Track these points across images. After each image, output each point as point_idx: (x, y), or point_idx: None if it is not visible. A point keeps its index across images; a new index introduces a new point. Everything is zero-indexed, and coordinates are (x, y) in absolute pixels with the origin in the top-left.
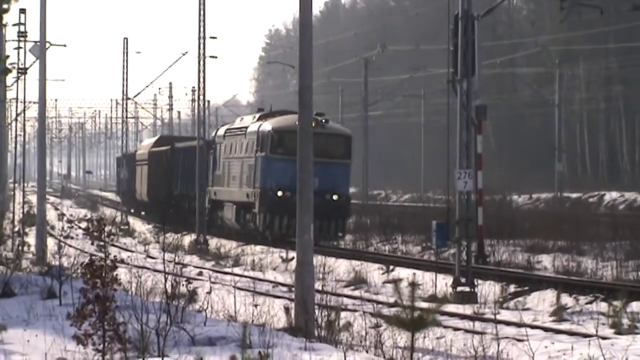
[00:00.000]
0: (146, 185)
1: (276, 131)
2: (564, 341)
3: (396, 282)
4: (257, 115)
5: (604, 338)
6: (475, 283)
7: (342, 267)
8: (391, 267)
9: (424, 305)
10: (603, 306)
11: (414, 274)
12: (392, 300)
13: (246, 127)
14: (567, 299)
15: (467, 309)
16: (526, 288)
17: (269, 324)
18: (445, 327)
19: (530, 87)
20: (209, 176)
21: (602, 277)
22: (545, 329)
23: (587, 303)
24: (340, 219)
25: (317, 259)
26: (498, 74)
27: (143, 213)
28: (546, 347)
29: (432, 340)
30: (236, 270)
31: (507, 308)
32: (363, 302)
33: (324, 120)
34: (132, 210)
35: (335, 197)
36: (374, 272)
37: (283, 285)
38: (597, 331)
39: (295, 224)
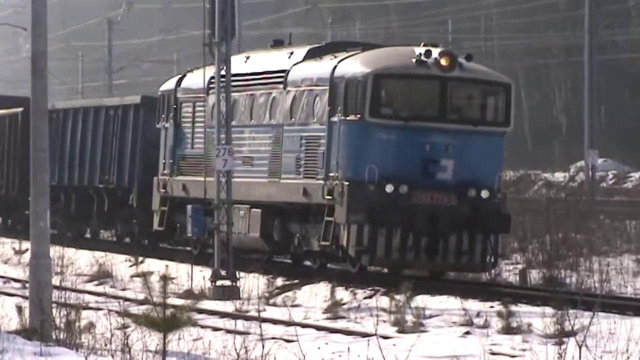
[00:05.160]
0: None
1: (382, 76)
2: (340, 341)
3: (145, 275)
4: (305, 51)
5: (385, 337)
6: (238, 276)
7: (83, 259)
8: (140, 258)
9: (179, 302)
10: (384, 301)
11: (167, 266)
12: (141, 296)
13: (284, 72)
14: (343, 294)
15: (228, 306)
16: (296, 281)
17: None
18: (203, 326)
19: None
20: (163, 160)
21: (383, 268)
22: (318, 328)
23: (365, 298)
24: (493, 232)
25: (55, 250)
26: (262, 36)
27: None
28: (319, 348)
29: (188, 342)
30: None
31: (275, 304)
32: (108, 299)
33: (462, 58)
34: None
35: (484, 193)
36: (120, 265)
37: (16, 280)
38: (376, 330)
39: (424, 243)
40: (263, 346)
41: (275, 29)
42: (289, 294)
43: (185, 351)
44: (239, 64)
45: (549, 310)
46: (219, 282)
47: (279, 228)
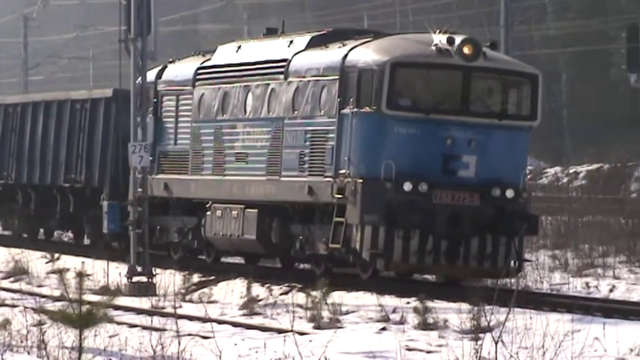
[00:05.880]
0: None
1: (401, 65)
2: (256, 337)
3: (61, 272)
4: (307, 39)
5: (302, 333)
6: (154, 272)
7: None
8: (57, 255)
9: (95, 298)
10: (300, 297)
11: (83, 262)
12: (57, 293)
13: (284, 62)
14: (259, 290)
15: (145, 303)
16: (212, 277)
17: None
18: (119, 323)
19: (214, 46)
20: None
21: (299, 264)
22: (235, 324)
23: (282, 294)
24: (519, 234)
25: None
26: (178, 32)
27: None
28: (236, 344)
29: (105, 338)
30: None
31: (191, 301)
32: (24, 295)
33: (485, 46)
34: None
35: (509, 192)
36: (37, 262)
37: None
38: (292, 326)
39: (444, 246)
40: (179, 342)
41: (191, 25)
42: (205, 290)
43: (102, 347)
44: (230, 53)
45: (465, 306)
46: (135, 279)
47: (278, 230)
